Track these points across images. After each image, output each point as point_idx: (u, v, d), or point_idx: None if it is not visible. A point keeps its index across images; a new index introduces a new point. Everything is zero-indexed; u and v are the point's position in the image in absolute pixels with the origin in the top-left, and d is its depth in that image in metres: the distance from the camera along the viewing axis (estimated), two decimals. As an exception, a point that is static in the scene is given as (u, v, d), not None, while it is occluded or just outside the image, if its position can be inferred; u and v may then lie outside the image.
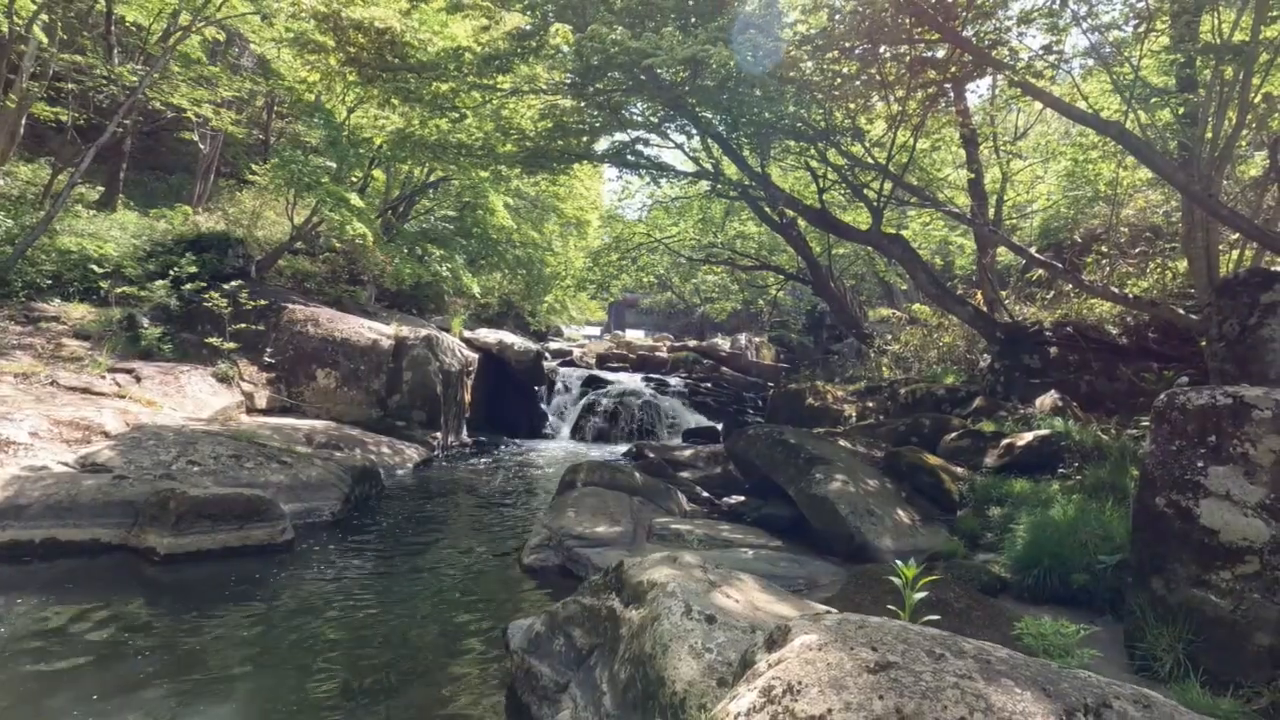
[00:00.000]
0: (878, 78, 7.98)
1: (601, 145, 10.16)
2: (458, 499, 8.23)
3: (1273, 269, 6.06)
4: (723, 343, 22.88)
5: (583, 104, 7.52)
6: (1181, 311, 7.44)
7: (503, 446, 12.96)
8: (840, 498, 6.02)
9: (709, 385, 17.04)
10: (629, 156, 8.74)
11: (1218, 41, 7.12)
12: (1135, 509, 3.58)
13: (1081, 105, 8.21)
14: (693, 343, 22.81)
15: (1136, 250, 11.75)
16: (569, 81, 7.10)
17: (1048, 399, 7.76)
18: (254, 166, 16.49)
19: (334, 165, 13.47)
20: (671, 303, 32.57)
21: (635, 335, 38.29)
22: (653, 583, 2.81)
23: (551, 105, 8.94)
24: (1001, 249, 13.46)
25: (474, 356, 13.84)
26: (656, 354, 20.22)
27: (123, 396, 8.56)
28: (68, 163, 13.35)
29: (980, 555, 5.24)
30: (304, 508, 6.34)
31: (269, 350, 10.91)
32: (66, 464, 5.88)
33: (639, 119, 9.08)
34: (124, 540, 5.28)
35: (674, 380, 16.97)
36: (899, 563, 2.44)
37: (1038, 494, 5.98)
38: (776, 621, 2.58)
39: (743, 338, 21.51)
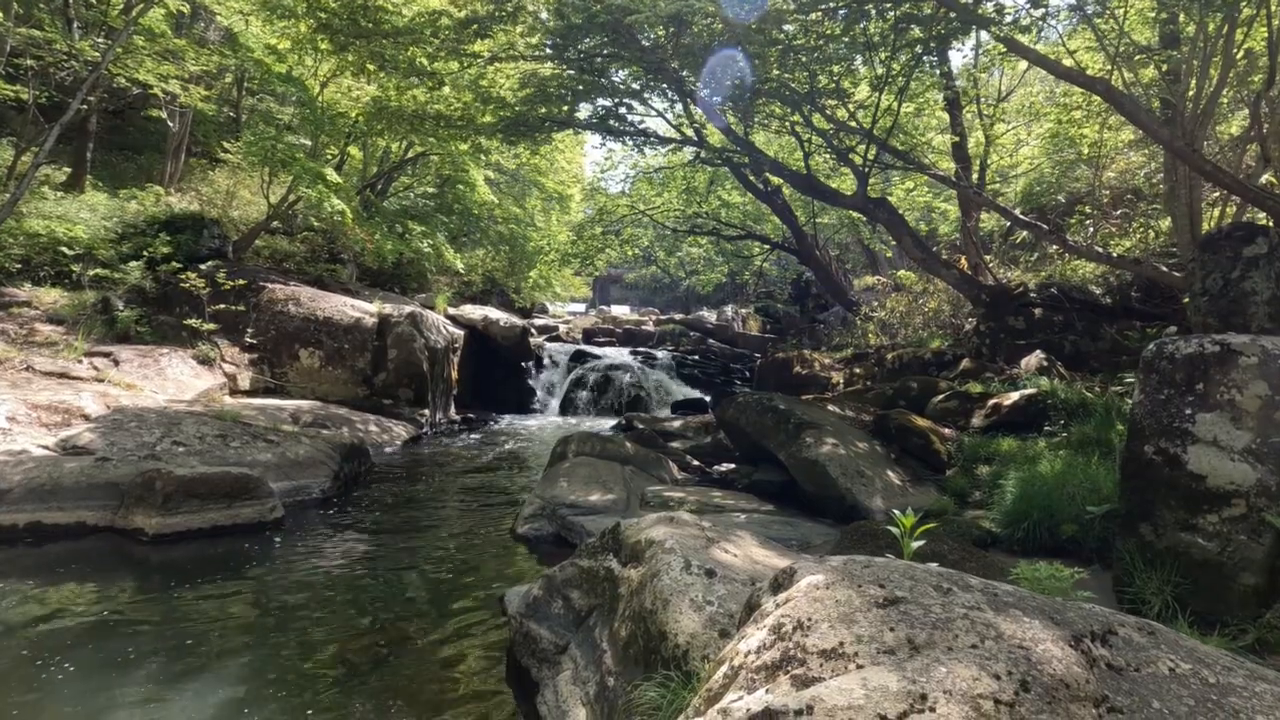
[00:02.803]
0: (861, 39, 7.88)
1: (583, 113, 9.99)
2: (448, 474, 8.20)
3: (1255, 223, 6.12)
4: (709, 315, 22.89)
5: (564, 69, 7.34)
6: (1164, 269, 7.50)
7: (491, 422, 12.92)
8: (831, 460, 6.05)
9: (696, 357, 17.07)
10: (612, 123, 8.59)
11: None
12: (1124, 458, 3.62)
13: (1069, 64, 8.19)
14: (679, 316, 22.77)
15: (1119, 211, 11.82)
16: (549, 44, 6.93)
17: (1033, 359, 7.83)
18: (226, 145, 16.08)
19: (308, 143, 13.10)
20: (656, 277, 32.45)
21: (621, 310, 38.19)
22: (650, 541, 2.80)
23: (531, 73, 8.74)
24: (985, 213, 13.50)
25: (459, 333, 13.72)
26: (643, 328, 20.19)
27: (101, 380, 8.40)
28: (31, 143, 12.92)
29: (970, 512, 5.31)
30: (293, 486, 6.28)
31: (250, 331, 10.73)
32: (47, 447, 5.77)
33: (621, 86, 8.91)
34: (110, 522, 5.21)
35: (661, 353, 16.96)
36: (896, 512, 2.45)
37: (1025, 451, 6.05)
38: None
39: (729, 310, 21.50)
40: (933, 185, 14.24)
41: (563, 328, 21.19)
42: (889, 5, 6.45)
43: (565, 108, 8.16)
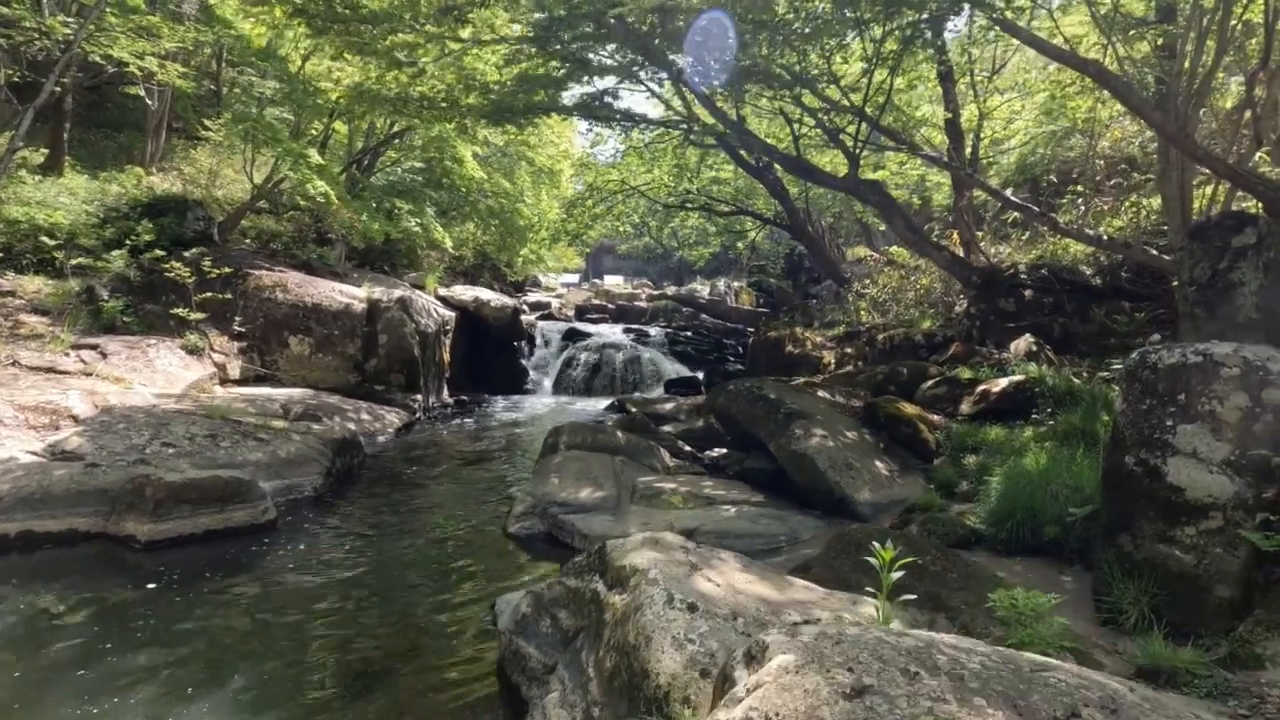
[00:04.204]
0: (851, 16, 7.70)
1: (570, 94, 9.78)
2: (441, 464, 8.24)
3: (1245, 212, 6.08)
4: (701, 289, 22.83)
5: (549, 57, 7.17)
6: (1154, 252, 7.48)
7: (484, 405, 12.94)
8: (820, 453, 6.10)
9: (689, 334, 17.07)
10: (598, 108, 8.43)
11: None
12: (1105, 468, 3.66)
13: (1060, 41, 8.04)
14: (671, 290, 22.70)
15: (1112, 182, 11.73)
16: (531, 35, 6.74)
17: (1022, 343, 7.85)
18: (207, 122, 15.73)
19: (291, 118, 12.80)
20: (649, 247, 32.17)
21: (614, 281, 38.08)
22: (635, 568, 2.83)
23: (516, 50, 8.53)
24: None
25: (451, 315, 13.65)
26: (636, 303, 20.13)
27: (89, 374, 8.35)
28: (5, 125, 12.61)
29: (956, 506, 5.37)
30: (285, 485, 6.30)
31: (238, 319, 10.64)
32: (35, 453, 5.75)
33: (610, 63, 8.71)
34: (103, 528, 5.23)
35: (654, 330, 16.95)
36: (876, 545, 2.48)
37: (1011, 442, 6.10)
38: (757, 606, 2.63)
39: (721, 284, 21.44)
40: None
41: (555, 303, 21.12)
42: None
43: (551, 92, 7.99)
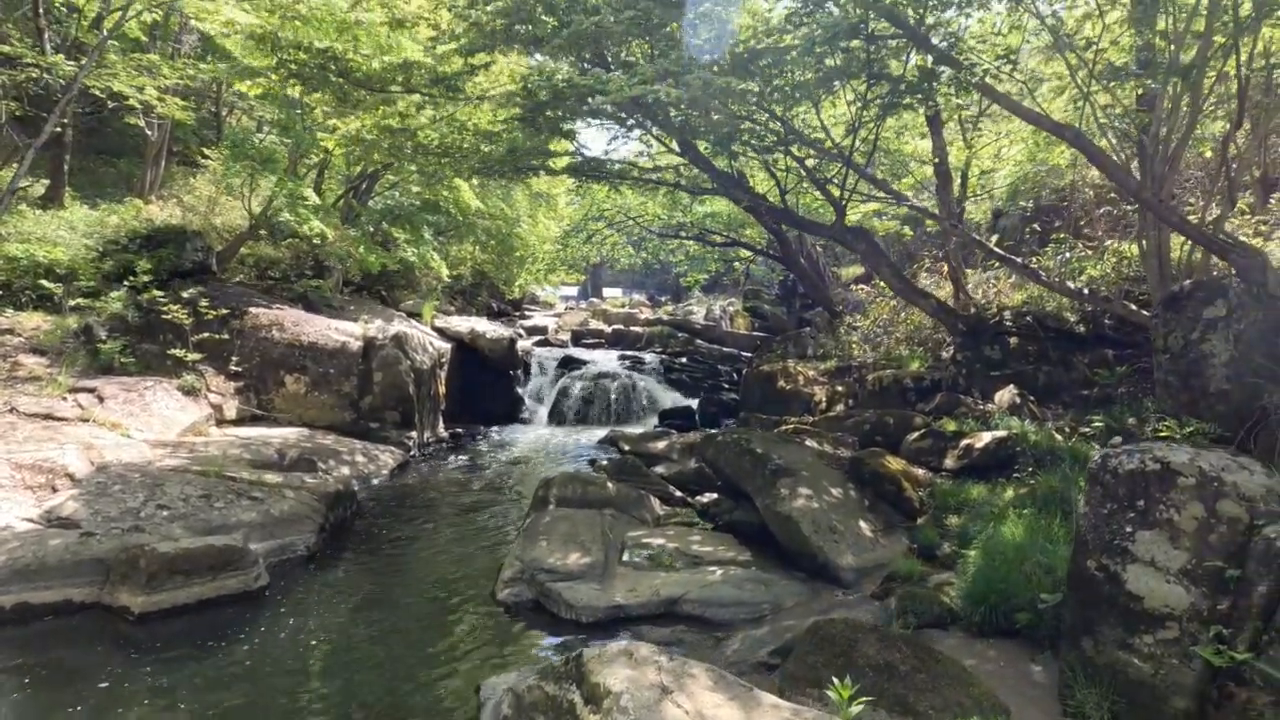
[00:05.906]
0: (836, 67, 7.83)
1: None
2: (432, 513, 8.31)
3: (1217, 280, 6.19)
4: (698, 309, 22.96)
5: (536, 131, 7.34)
6: (1133, 307, 7.61)
7: (480, 438, 13.04)
8: (804, 516, 6.20)
9: (684, 360, 17.18)
10: (588, 170, 8.57)
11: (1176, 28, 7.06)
12: (1070, 570, 3.77)
13: (1042, 93, 8.20)
14: (667, 312, 22.81)
15: (1101, 210, 11.89)
16: (519, 116, 6.92)
17: (1006, 394, 7.96)
18: (206, 150, 15.86)
19: (291, 142, 12.83)
20: (648, 263, 32.32)
21: (613, 295, 38.22)
22: (608, 690, 2.94)
23: (509, 95, 8.68)
24: (971, 205, 13.64)
25: (446, 347, 13.77)
26: (632, 327, 20.24)
27: (86, 420, 8.45)
28: (7, 158, 12.76)
29: (936, 575, 5.47)
30: (278, 544, 6.39)
31: (235, 358, 10.75)
32: (31, 520, 5.85)
33: (608, 109, 8.84)
34: (97, 598, 5.32)
35: (649, 357, 17.05)
36: (835, 680, 2.59)
37: (992, 502, 6.22)
38: (722, 737, 2.73)
39: (717, 308, 21.57)
40: (917, 188, 14.25)
41: (552, 325, 21.24)
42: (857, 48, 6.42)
43: (540, 159, 8.15)
